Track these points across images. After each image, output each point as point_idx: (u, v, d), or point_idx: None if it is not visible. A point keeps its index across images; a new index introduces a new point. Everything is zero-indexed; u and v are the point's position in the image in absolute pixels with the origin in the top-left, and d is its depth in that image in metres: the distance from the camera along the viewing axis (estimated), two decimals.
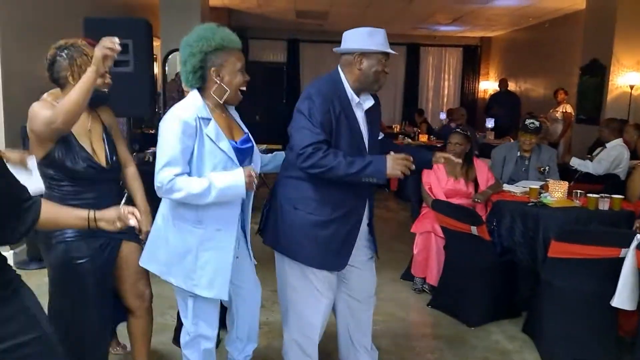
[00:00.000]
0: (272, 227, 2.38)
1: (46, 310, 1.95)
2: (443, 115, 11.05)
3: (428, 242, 3.94)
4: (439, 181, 4.03)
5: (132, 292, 2.39)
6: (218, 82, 2.13)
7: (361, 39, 2.29)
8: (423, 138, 8.50)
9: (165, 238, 2.16)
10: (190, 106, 2.09)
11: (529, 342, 3.24)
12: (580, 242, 2.88)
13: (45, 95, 2.64)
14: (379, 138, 2.50)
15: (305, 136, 2.18)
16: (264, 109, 10.90)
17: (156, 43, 7.29)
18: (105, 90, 2.36)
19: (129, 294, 2.39)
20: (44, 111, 2.12)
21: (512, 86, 10.88)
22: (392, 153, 2.23)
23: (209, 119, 2.11)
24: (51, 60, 2.22)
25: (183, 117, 2.04)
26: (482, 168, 4.09)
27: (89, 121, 2.29)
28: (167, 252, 2.15)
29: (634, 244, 2.77)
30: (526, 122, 4.41)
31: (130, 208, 1.70)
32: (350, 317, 2.57)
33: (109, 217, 1.66)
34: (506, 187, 4.10)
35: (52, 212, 1.59)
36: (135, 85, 3.69)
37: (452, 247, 3.68)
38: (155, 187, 2.06)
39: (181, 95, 3.22)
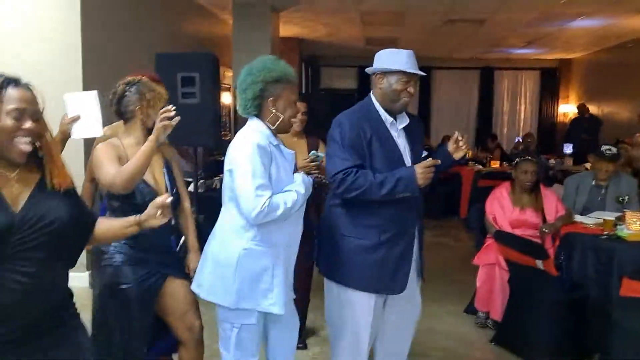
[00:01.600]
0: (324, 256, 2.43)
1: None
2: (520, 141, 10.68)
3: (491, 274, 3.77)
4: (504, 211, 3.87)
5: (181, 324, 2.40)
6: (273, 111, 2.18)
7: (383, 58, 2.37)
8: (495, 164, 8.22)
9: (234, 265, 2.13)
10: (259, 132, 2.15)
11: None
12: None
13: (105, 129, 2.81)
14: (422, 156, 2.49)
15: (335, 163, 2.28)
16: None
17: (229, 74, 7.63)
18: None
19: (178, 325, 2.41)
20: (107, 165, 2.18)
21: (594, 110, 10.34)
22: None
23: (278, 144, 2.20)
24: (120, 95, 2.33)
25: (259, 143, 2.09)
26: (550, 197, 3.89)
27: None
28: (239, 279, 2.12)
29: None
30: (602, 149, 4.17)
31: (158, 199, 1.73)
32: (389, 342, 2.56)
33: (151, 213, 1.71)
34: (578, 218, 3.86)
35: (105, 227, 1.73)
36: (201, 115, 3.85)
37: (516, 281, 3.50)
38: (253, 216, 2.04)
39: None
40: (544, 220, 3.82)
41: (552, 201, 3.88)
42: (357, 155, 2.25)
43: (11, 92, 1.44)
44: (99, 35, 4.65)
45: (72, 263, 1.65)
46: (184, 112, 3.69)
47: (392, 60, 2.33)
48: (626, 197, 4.03)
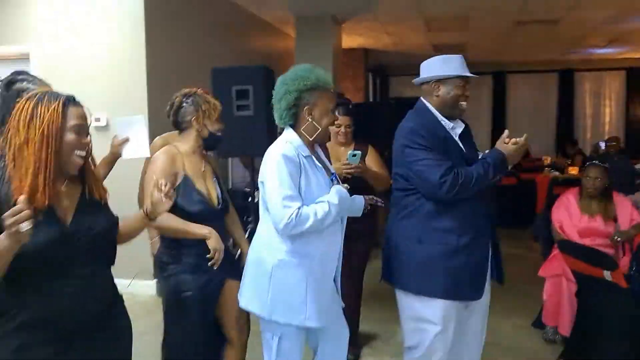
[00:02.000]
0: (397, 269, 2.37)
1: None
2: (603, 145, 10.02)
3: (559, 286, 3.54)
4: (571, 218, 3.62)
5: (232, 325, 2.50)
6: (310, 120, 2.15)
7: (436, 66, 2.35)
8: (574, 170, 7.74)
9: (268, 277, 2.13)
10: (290, 144, 2.13)
11: None
12: None
13: (157, 139, 2.93)
14: (480, 157, 2.45)
15: (433, 168, 2.22)
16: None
17: None
18: (220, 133, 2.53)
19: (230, 326, 2.50)
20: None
21: None
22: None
23: (310, 156, 2.16)
24: (178, 105, 2.44)
25: (287, 154, 2.08)
26: (623, 204, 3.60)
27: (202, 163, 2.47)
28: (273, 291, 2.12)
29: None
30: None
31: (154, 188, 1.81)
32: (463, 353, 2.47)
33: (155, 201, 1.79)
34: None
35: (122, 225, 1.81)
36: (255, 126, 3.94)
37: (584, 294, 3.25)
38: (280, 227, 2.04)
39: None
40: (619, 230, 3.53)
41: (626, 209, 3.59)
42: (446, 156, 2.24)
43: (72, 109, 1.57)
44: (163, 53, 4.87)
45: (113, 262, 1.79)
46: (239, 124, 3.90)
47: (447, 67, 2.34)
48: None
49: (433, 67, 2.36)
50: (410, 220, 2.32)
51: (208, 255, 2.28)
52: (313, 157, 2.17)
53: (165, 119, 2.53)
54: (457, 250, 2.25)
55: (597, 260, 3.00)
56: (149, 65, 4.63)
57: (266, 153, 2.18)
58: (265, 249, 2.17)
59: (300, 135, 2.17)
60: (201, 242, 2.34)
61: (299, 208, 2.03)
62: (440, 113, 2.35)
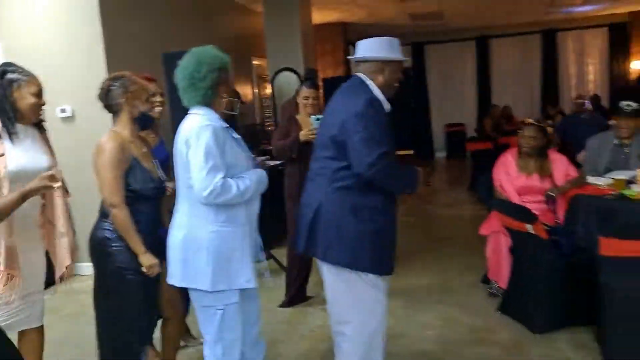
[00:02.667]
0: (333, 243, 2.33)
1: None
2: (589, 104, 10.02)
3: (498, 243, 3.71)
4: (510, 177, 3.77)
5: (167, 302, 2.60)
6: (225, 96, 2.30)
7: (384, 48, 2.38)
8: (551, 131, 7.81)
9: (205, 250, 2.21)
10: (211, 118, 2.24)
11: (598, 351, 2.89)
12: (634, 237, 2.53)
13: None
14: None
15: (373, 147, 2.20)
16: (390, 115, 10.99)
17: (258, 63, 7.96)
18: (155, 116, 2.63)
19: (165, 304, 2.61)
20: (113, 185, 2.34)
21: None
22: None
23: (229, 127, 2.30)
24: (106, 89, 2.48)
25: (213, 125, 2.19)
26: (559, 162, 3.74)
27: (142, 144, 2.59)
28: (213, 262, 2.21)
29: None
30: (620, 105, 3.92)
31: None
32: None
33: (45, 183, 2.02)
34: (590, 179, 3.68)
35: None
36: None
37: (516, 248, 3.43)
38: (204, 195, 2.14)
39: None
40: (555, 186, 3.68)
41: (562, 166, 3.73)
42: (387, 140, 2.27)
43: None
44: (121, 42, 4.98)
45: None
46: None
47: (394, 50, 2.38)
48: None
49: (381, 48, 2.37)
50: (345, 193, 2.31)
51: (143, 269, 2.36)
52: (230, 129, 2.31)
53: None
54: (384, 228, 2.33)
55: (521, 215, 3.16)
56: (107, 54, 4.77)
57: (183, 130, 2.24)
58: (194, 225, 2.25)
59: (216, 111, 2.28)
60: (143, 224, 2.41)
61: (223, 177, 2.14)
62: (382, 93, 2.37)
